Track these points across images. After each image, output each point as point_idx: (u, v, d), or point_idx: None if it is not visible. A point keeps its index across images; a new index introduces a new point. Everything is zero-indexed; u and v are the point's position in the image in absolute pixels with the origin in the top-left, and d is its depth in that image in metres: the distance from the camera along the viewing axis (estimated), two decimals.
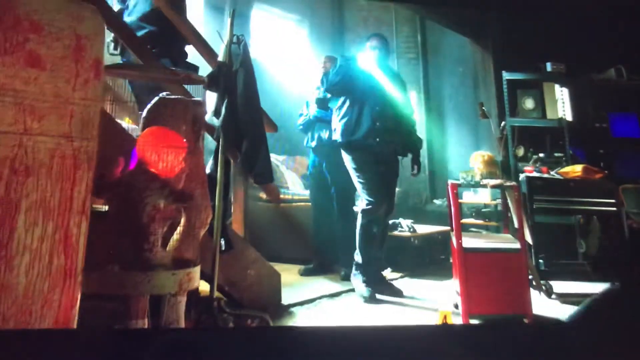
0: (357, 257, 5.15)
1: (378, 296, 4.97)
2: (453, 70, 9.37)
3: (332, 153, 5.76)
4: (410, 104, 5.76)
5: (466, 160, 8.28)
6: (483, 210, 7.25)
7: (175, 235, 2.80)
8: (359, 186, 5.28)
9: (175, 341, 1.24)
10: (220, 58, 4.00)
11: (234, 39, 4.01)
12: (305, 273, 6.04)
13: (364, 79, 5.30)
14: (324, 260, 6.09)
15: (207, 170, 3.67)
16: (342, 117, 5.32)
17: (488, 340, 1.35)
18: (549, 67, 7.09)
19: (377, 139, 5.15)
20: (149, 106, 2.99)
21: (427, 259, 6.70)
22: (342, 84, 5.23)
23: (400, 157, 5.60)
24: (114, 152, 2.71)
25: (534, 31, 7.03)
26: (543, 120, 7.01)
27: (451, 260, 4.92)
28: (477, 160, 5.03)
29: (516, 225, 4.32)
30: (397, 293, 5.13)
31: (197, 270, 2.84)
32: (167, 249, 2.73)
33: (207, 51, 4.54)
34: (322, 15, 9.68)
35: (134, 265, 2.56)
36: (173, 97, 3.10)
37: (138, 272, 2.54)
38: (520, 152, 6.81)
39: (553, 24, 6.94)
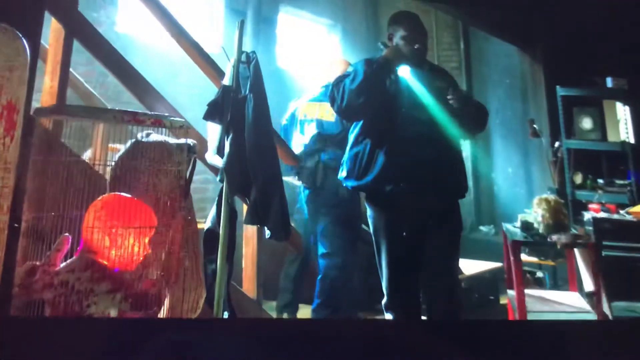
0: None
1: None
2: (499, 81, 8.51)
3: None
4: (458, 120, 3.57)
5: (515, 183, 7.56)
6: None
7: None
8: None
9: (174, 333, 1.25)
10: (225, 81, 3.29)
11: (243, 57, 3.26)
12: None
13: (394, 89, 3.49)
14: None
15: (208, 224, 3.13)
16: (352, 146, 3.55)
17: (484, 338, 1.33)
18: (609, 82, 6.28)
19: (400, 184, 3.35)
20: (119, 154, 2.28)
21: (475, 300, 5.86)
22: (368, 101, 3.35)
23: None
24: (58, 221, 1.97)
25: (591, 40, 6.17)
26: (603, 143, 6.20)
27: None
28: (542, 207, 4.18)
29: (587, 287, 3.56)
30: None
31: None
32: None
33: (211, 69, 3.77)
34: (355, 19, 8.83)
35: None
36: (153, 140, 2.36)
37: None
38: (578, 178, 6.02)
39: (613, 33, 6.11)
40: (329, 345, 1.27)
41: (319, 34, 8.79)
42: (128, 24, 6.08)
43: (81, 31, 3.36)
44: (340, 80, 3.43)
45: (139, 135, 2.45)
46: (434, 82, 3.52)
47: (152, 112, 2.50)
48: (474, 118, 3.59)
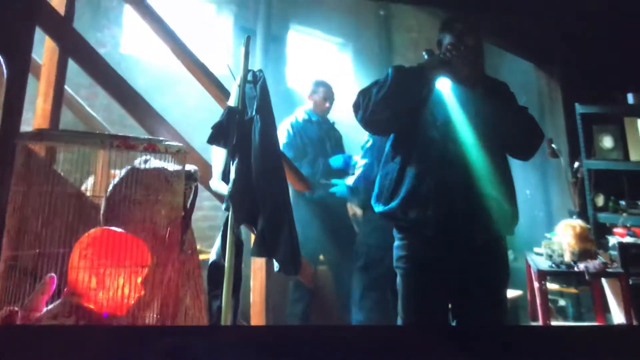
0: None
1: None
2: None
3: None
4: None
5: (533, 205, 7.31)
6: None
7: None
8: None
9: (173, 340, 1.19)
10: (230, 102, 3.10)
11: (249, 76, 3.07)
12: None
13: (429, 102, 3.08)
14: None
15: (213, 256, 2.94)
16: (384, 164, 3.14)
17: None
18: (630, 98, 6.09)
19: (427, 212, 2.88)
20: (113, 182, 2.09)
21: None
22: (395, 112, 2.96)
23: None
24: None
25: (610, 55, 5.97)
26: (625, 162, 5.96)
27: None
28: (567, 234, 3.95)
29: (615, 319, 3.33)
30: None
31: None
32: None
33: (216, 90, 3.59)
34: (367, 38, 8.63)
35: None
36: (151, 166, 2.17)
37: None
38: (600, 200, 5.79)
39: (633, 47, 5.85)
40: (334, 352, 1.24)
41: (330, 53, 8.60)
42: (133, 45, 5.91)
43: (76, 49, 3.17)
44: (368, 87, 3.01)
45: (136, 162, 2.24)
46: (484, 98, 2.97)
47: (146, 137, 2.26)
48: (527, 136, 3.05)
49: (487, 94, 3.00)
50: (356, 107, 3.02)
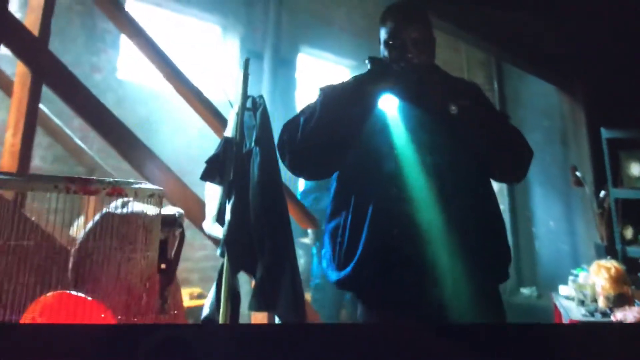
0: None
1: None
2: (537, 124, 7.92)
3: None
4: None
5: (557, 238, 6.97)
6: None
7: None
8: None
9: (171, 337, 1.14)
10: (227, 132, 2.78)
11: (248, 103, 2.76)
12: None
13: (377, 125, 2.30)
14: None
15: (205, 311, 2.51)
16: (330, 217, 2.34)
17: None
18: None
19: (395, 274, 2.13)
20: (84, 230, 1.78)
21: None
22: (329, 149, 2.20)
23: None
24: None
25: (637, 76, 5.61)
26: None
27: None
28: (601, 276, 3.58)
29: None
30: None
31: None
32: None
33: (212, 117, 3.27)
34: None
35: None
36: (128, 211, 1.84)
37: None
38: (629, 233, 5.45)
39: None
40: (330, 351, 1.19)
41: (342, 76, 8.24)
42: (131, 70, 5.60)
43: (52, 74, 2.82)
44: (293, 119, 2.24)
45: (112, 205, 1.91)
46: (446, 105, 2.19)
47: (111, 179, 1.89)
48: (513, 154, 2.29)
49: (453, 95, 2.23)
50: (280, 147, 2.24)
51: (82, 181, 1.67)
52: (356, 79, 2.29)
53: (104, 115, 2.98)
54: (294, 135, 2.15)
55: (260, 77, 6.45)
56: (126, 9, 3.39)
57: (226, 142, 2.69)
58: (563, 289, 4.44)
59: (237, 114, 2.73)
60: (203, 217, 2.72)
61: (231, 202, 2.56)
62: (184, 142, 5.11)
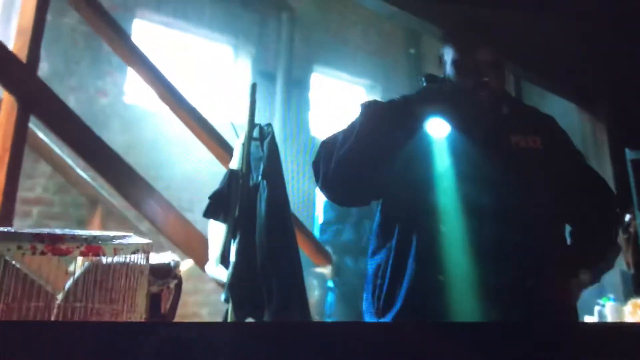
0: None
1: None
2: None
3: None
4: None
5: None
6: None
7: None
8: None
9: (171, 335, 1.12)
10: (232, 164, 2.57)
11: (255, 132, 2.56)
12: None
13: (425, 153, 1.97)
14: None
15: None
16: (372, 253, 2.03)
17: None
18: None
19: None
20: (69, 282, 1.62)
21: None
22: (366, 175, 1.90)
23: None
24: None
25: None
26: None
27: None
28: (638, 317, 3.35)
29: None
30: None
31: None
32: None
33: (218, 147, 3.07)
34: (397, 79, 8.07)
35: None
36: (119, 260, 1.66)
37: None
38: None
39: None
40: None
41: (357, 96, 8.02)
42: (139, 94, 5.40)
43: (41, 105, 2.60)
44: (332, 136, 1.97)
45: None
46: (516, 139, 1.93)
47: (88, 233, 1.64)
48: (599, 210, 1.99)
49: (525, 128, 1.96)
50: (315, 167, 1.97)
51: (51, 239, 1.44)
52: (405, 97, 2.02)
53: (100, 149, 2.76)
54: (330, 154, 1.89)
55: (273, 99, 6.27)
56: (127, 35, 3.19)
57: (231, 175, 2.50)
58: (589, 320, 4.20)
59: (243, 144, 2.53)
60: (204, 260, 2.51)
61: (236, 241, 2.37)
62: (194, 167, 4.92)
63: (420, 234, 1.85)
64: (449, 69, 1.99)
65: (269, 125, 2.59)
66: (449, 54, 2.00)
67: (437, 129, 1.91)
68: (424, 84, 2.06)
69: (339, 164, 1.85)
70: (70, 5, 3.28)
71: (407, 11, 5.11)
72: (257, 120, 2.63)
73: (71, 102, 4.68)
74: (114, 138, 4.96)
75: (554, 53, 6.24)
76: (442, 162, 1.92)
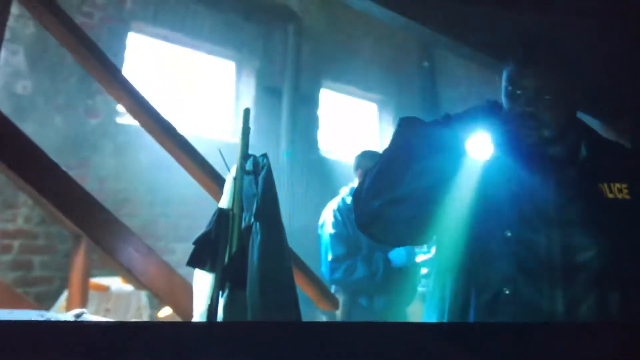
0: None
1: None
2: None
3: None
4: None
5: None
6: None
7: None
8: None
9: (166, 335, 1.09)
10: (222, 202, 2.24)
11: (248, 165, 2.19)
12: None
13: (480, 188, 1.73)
14: None
15: None
16: (429, 298, 2.01)
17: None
18: None
19: None
20: None
21: None
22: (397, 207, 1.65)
23: None
24: None
25: None
26: None
27: None
28: None
29: None
30: None
31: None
32: None
33: (208, 179, 2.74)
34: (410, 93, 7.81)
35: None
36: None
37: None
38: None
39: None
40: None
41: (369, 112, 7.81)
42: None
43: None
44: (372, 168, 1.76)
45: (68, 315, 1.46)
46: (591, 181, 1.68)
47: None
48: None
49: (603, 170, 1.70)
50: (356, 198, 1.77)
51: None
52: (448, 116, 1.76)
53: (72, 189, 2.41)
54: (362, 190, 1.69)
55: (279, 115, 5.98)
56: (101, 50, 2.84)
57: (220, 216, 2.14)
58: None
59: (234, 179, 2.19)
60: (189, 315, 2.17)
61: (224, 295, 2.04)
62: (194, 192, 4.60)
63: (479, 292, 1.65)
64: (504, 92, 1.79)
65: (265, 156, 2.24)
66: (509, 75, 1.80)
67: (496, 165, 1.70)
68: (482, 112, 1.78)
69: (366, 198, 1.67)
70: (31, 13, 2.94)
71: (418, 21, 4.81)
72: (258, 142, 2.29)
73: (58, 122, 4.40)
74: (105, 161, 4.68)
75: (575, 67, 5.92)
76: (515, 211, 1.66)
